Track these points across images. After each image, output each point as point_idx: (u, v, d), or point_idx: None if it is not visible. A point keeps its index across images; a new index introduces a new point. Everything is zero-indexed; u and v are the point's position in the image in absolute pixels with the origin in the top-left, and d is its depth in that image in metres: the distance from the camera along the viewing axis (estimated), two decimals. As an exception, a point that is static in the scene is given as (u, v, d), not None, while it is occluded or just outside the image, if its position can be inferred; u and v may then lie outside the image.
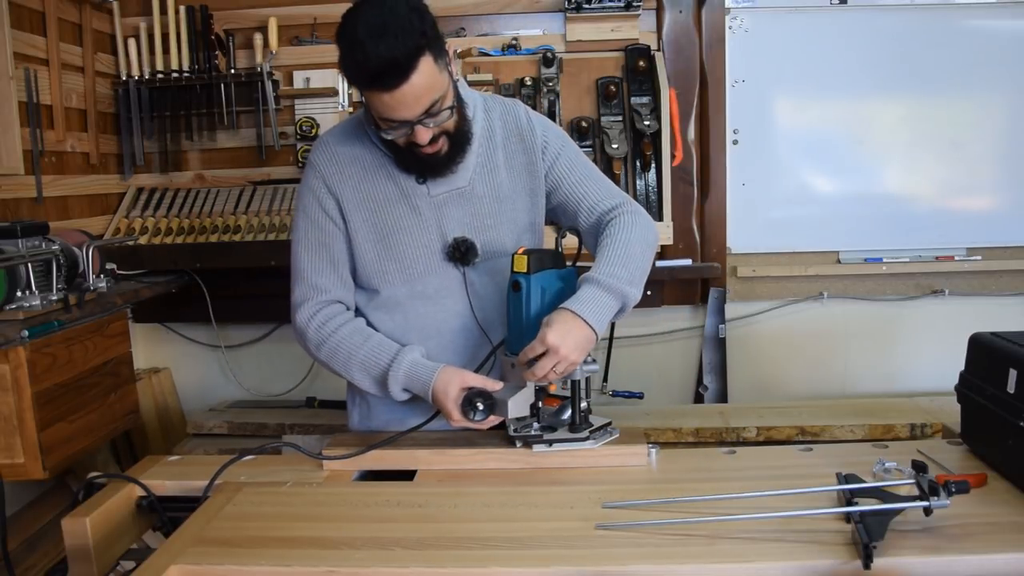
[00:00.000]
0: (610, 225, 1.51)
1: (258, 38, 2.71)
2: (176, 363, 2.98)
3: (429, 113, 1.35)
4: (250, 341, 2.95)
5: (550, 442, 1.44)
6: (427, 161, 1.45)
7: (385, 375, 1.47)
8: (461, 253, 1.51)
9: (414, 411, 1.58)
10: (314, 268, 1.51)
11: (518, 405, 1.42)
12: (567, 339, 1.35)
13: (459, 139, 1.46)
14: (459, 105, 1.44)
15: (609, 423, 1.49)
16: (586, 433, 1.45)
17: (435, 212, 1.51)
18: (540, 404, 1.48)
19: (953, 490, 1.09)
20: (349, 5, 1.42)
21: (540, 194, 1.59)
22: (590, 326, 1.37)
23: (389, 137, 1.40)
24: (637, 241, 1.48)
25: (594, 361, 1.45)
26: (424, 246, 1.52)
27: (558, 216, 1.64)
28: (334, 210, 1.50)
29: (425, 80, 1.31)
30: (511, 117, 1.57)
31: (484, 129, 1.54)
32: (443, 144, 1.43)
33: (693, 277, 2.83)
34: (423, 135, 1.37)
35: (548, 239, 1.61)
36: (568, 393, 1.47)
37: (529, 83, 2.68)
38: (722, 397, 2.86)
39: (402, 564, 1.09)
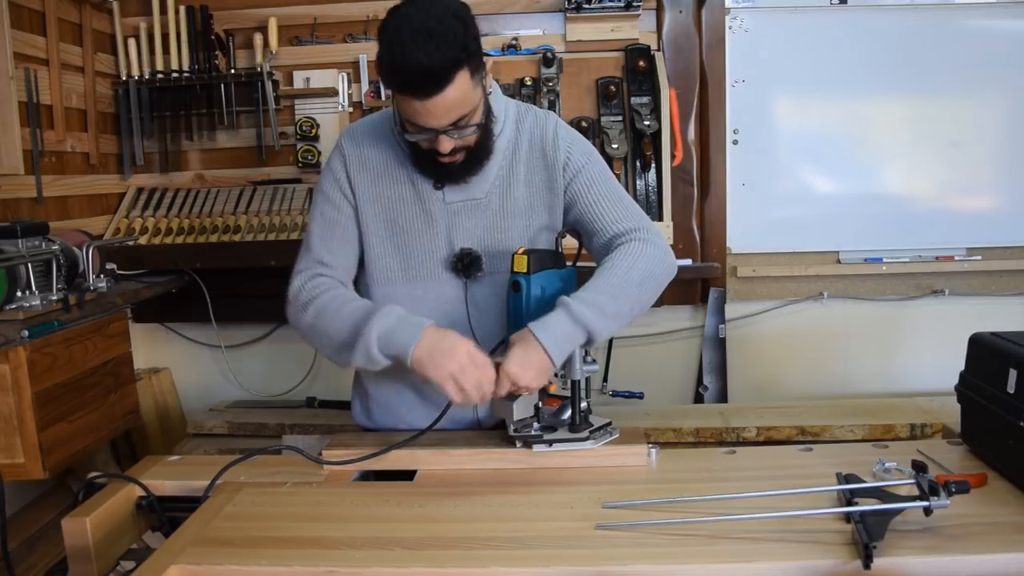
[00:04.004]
0: (618, 249, 1.45)
1: (258, 38, 2.71)
2: (176, 363, 2.98)
3: (456, 125, 1.35)
4: (250, 341, 2.95)
5: (550, 442, 1.44)
6: (441, 168, 1.45)
7: (369, 319, 1.36)
8: (464, 265, 1.50)
9: (413, 411, 1.58)
10: (324, 244, 1.51)
11: (522, 407, 1.43)
12: (527, 371, 1.31)
13: (477, 154, 1.45)
14: (486, 121, 1.42)
15: (609, 423, 1.49)
16: (586, 433, 1.45)
17: (447, 220, 1.51)
18: (540, 404, 1.48)
19: (953, 490, 1.09)
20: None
21: (559, 209, 1.56)
22: (549, 355, 1.33)
23: (412, 140, 1.40)
24: (640, 270, 1.42)
25: (594, 361, 1.45)
26: (431, 252, 1.52)
27: (577, 233, 1.60)
28: (349, 194, 1.51)
29: (458, 93, 1.30)
30: (539, 131, 1.53)
31: (510, 142, 1.52)
32: (460, 156, 1.43)
33: (693, 277, 2.83)
34: (445, 145, 1.37)
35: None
36: (568, 393, 1.47)
37: (529, 83, 2.68)
38: (722, 397, 2.86)
39: (402, 564, 1.09)
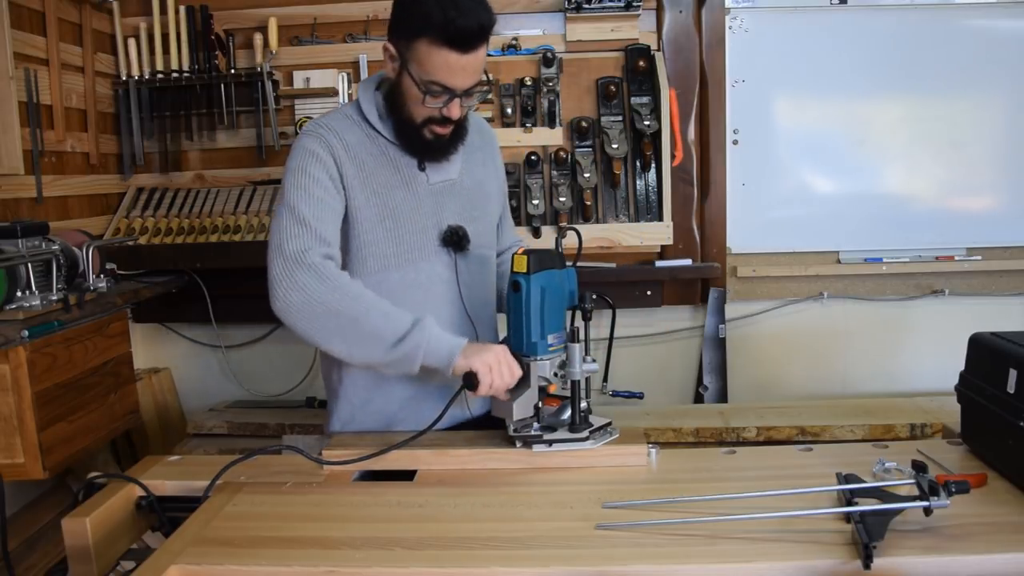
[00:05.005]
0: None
1: (258, 38, 2.71)
2: (176, 363, 2.98)
3: (470, 91, 1.44)
4: (250, 341, 2.95)
5: (550, 442, 1.44)
6: (432, 144, 1.51)
7: (419, 321, 1.41)
8: (458, 238, 1.55)
9: (400, 418, 1.60)
10: (319, 220, 1.45)
11: (522, 407, 1.43)
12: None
13: (461, 128, 1.54)
14: None
15: (609, 423, 1.49)
16: (586, 433, 1.45)
17: (433, 199, 1.55)
18: (540, 404, 1.48)
19: (953, 490, 1.09)
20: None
21: (503, 196, 1.74)
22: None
23: (429, 105, 1.44)
24: None
25: (593, 361, 1.46)
26: (422, 232, 1.54)
27: None
28: (339, 181, 1.49)
29: (483, 56, 1.42)
30: (481, 126, 1.69)
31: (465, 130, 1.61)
32: (449, 130, 1.50)
33: (693, 277, 2.83)
34: (456, 110, 1.45)
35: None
36: (568, 393, 1.47)
37: (529, 83, 2.68)
38: (722, 397, 2.86)
39: (402, 564, 1.09)
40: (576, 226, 2.52)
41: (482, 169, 1.65)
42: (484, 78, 1.47)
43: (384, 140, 1.52)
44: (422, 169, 1.54)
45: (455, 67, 1.39)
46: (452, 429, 1.60)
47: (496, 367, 1.39)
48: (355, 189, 1.50)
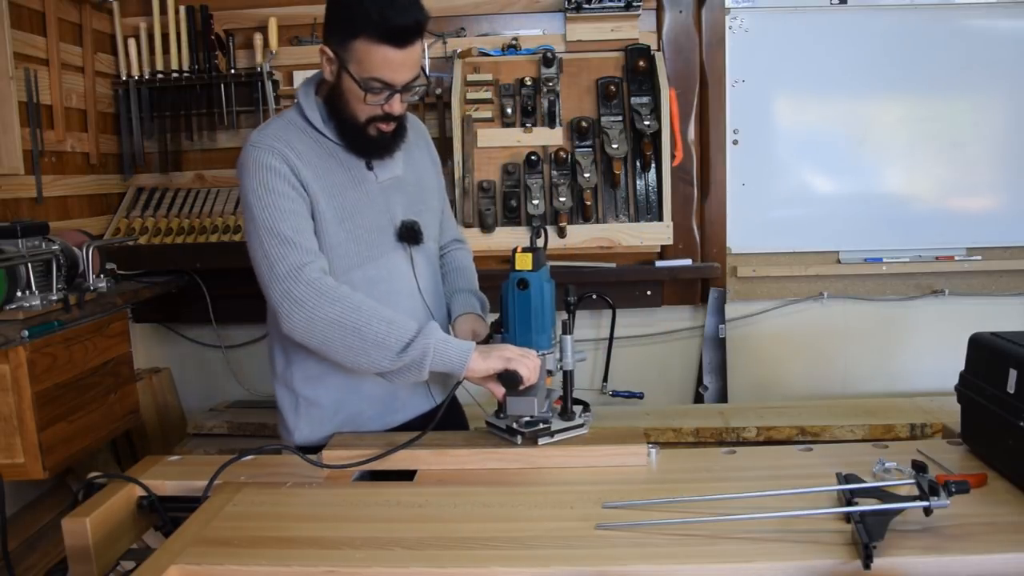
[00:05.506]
0: (462, 253, 1.84)
1: (258, 38, 2.71)
2: (176, 363, 2.98)
3: (409, 85, 1.47)
4: (250, 341, 2.95)
5: (552, 433, 1.47)
6: (376, 141, 1.53)
7: (423, 327, 1.44)
8: (413, 233, 1.59)
9: (380, 417, 1.61)
10: (299, 232, 1.46)
11: (542, 400, 1.46)
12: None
13: (403, 124, 1.57)
14: None
15: (585, 404, 1.54)
16: (581, 420, 1.50)
17: (383, 196, 1.58)
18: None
19: (953, 490, 1.09)
20: None
21: (441, 189, 1.78)
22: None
23: (370, 103, 1.46)
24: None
25: (582, 351, 1.51)
26: (379, 229, 1.57)
27: None
28: (301, 189, 1.48)
29: (419, 52, 1.45)
30: (412, 120, 1.70)
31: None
32: (393, 127, 1.53)
33: (693, 277, 2.83)
34: (397, 106, 1.48)
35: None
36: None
37: (529, 83, 2.68)
38: (722, 397, 2.87)
39: (402, 564, 1.09)
40: (575, 226, 2.53)
41: (421, 164, 1.70)
42: (421, 73, 1.48)
43: (330, 142, 1.53)
44: (370, 168, 1.57)
45: (394, 63, 1.41)
46: (419, 418, 1.64)
47: (522, 361, 1.41)
48: (315, 193, 1.50)
